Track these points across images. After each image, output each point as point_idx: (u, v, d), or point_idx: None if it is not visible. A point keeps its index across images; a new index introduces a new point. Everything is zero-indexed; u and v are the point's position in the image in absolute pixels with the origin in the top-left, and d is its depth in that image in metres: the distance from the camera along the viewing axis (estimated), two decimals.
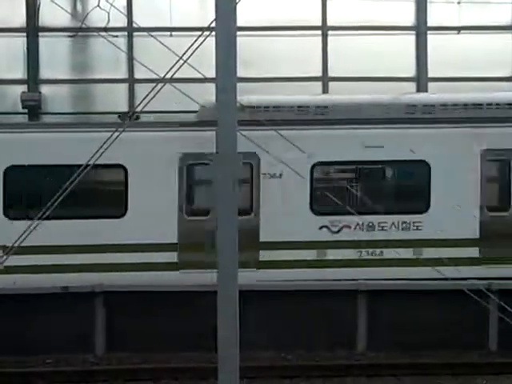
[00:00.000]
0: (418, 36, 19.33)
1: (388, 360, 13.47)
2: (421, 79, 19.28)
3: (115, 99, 19.16)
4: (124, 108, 18.97)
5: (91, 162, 7.61)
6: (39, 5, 18.72)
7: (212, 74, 7.04)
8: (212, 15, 7.02)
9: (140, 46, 18.60)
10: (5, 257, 10.23)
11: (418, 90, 19.23)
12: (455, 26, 19.41)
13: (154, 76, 8.64)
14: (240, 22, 7.18)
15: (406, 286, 14.04)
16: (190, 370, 13.04)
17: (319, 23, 19.25)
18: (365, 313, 14.11)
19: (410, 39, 19.37)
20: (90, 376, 12.96)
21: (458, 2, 19.39)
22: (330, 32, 19.24)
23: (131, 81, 19.17)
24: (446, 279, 10.77)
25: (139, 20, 18.11)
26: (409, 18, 19.42)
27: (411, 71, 19.36)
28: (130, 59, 18.79)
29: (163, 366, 13.21)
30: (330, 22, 19.27)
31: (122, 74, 19.25)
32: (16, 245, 7.47)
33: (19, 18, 18.94)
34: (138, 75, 18.93)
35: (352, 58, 18.92)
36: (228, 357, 6.89)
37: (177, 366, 13.23)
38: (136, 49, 18.84)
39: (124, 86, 19.31)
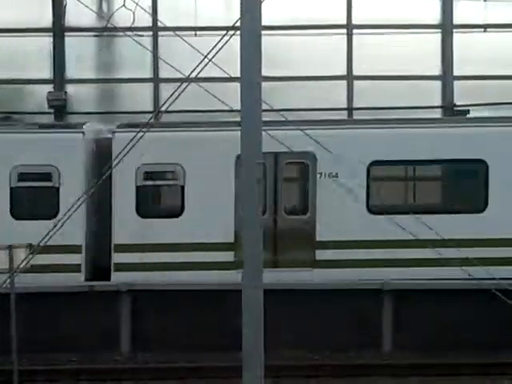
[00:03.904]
0: (443, 34, 19.20)
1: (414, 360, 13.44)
2: (446, 78, 19.15)
3: (140, 99, 19.21)
4: (149, 107, 19.03)
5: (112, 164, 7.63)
6: (65, 5, 18.82)
7: (237, 72, 7.04)
8: (237, 14, 7.02)
9: (165, 46, 18.63)
10: None
11: (444, 88, 19.12)
12: (481, 24, 19.25)
13: (179, 75, 8.65)
14: (265, 21, 7.17)
15: (435, 285, 13.98)
16: (215, 368, 13.06)
17: (344, 22, 19.18)
18: (390, 312, 14.07)
19: (435, 37, 19.25)
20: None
21: (484, 0, 19.25)
22: (354, 30, 19.17)
23: (156, 80, 19.21)
24: None
25: (164, 19, 18.14)
26: (434, 16, 19.30)
27: (437, 70, 19.24)
28: (155, 59, 18.82)
29: (188, 365, 13.25)
30: (354, 21, 19.19)
31: (147, 73, 19.29)
32: None
33: (46, 19, 19.05)
34: (162, 75, 18.97)
35: (377, 56, 18.84)
36: (252, 355, 6.88)
37: (202, 364, 13.26)
38: (161, 48, 18.88)
39: (149, 86, 19.36)
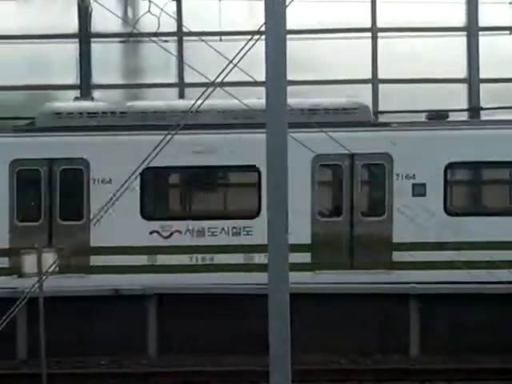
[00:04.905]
0: (469, 37, 19.12)
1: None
2: (472, 80, 19.06)
3: None
4: None
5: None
6: (91, 11, 18.96)
7: (262, 77, 7.05)
8: (261, 19, 7.03)
9: (190, 51, 18.70)
10: None
11: (470, 91, 19.03)
12: (507, 26, 19.16)
13: (204, 80, 8.68)
14: (289, 25, 7.17)
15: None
16: (242, 372, 13.07)
17: (369, 25, 19.16)
18: (417, 317, 14.00)
19: (460, 40, 19.17)
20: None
21: (510, 2, 19.14)
22: (379, 34, 19.13)
23: (181, 85, 19.29)
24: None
25: (189, 25, 18.22)
26: (459, 19, 19.22)
27: (462, 72, 19.16)
28: (180, 64, 18.90)
29: (215, 368, 13.26)
30: (379, 24, 19.16)
31: (172, 78, 19.38)
32: None
33: (72, 25, 19.21)
34: (187, 79, 19.04)
35: (402, 59, 18.79)
36: (279, 361, 6.88)
37: (228, 369, 13.27)
38: (186, 53, 18.96)
39: (174, 91, 19.44)
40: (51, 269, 9.96)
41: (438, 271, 14.38)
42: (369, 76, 19.15)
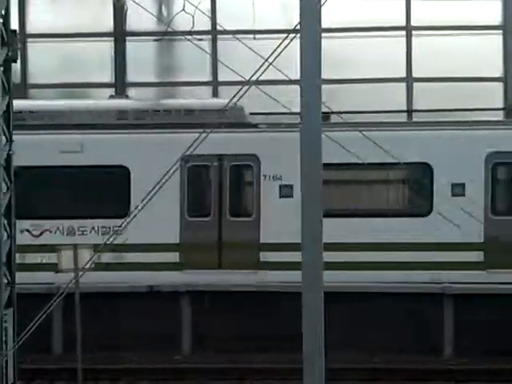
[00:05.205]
0: (504, 35, 18.95)
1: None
2: (508, 79, 18.89)
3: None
4: None
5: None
6: (126, 10, 19.09)
7: (293, 74, 7.06)
8: (295, 17, 7.04)
9: (223, 49, 18.76)
10: None
11: (506, 90, 18.86)
12: None
13: (237, 78, 8.70)
14: (324, 23, 7.17)
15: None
16: (275, 370, 13.10)
17: (403, 23, 19.07)
18: (451, 316, 13.94)
19: (496, 38, 19.01)
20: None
21: None
22: (414, 32, 19.04)
23: (215, 83, 19.35)
24: None
25: (223, 23, 18.27)
26: (495, 17, 19.06)
27: (498, 71, 19.00)
28: (214, 62, 18.96)
29: (249, 366, 13.31)
30: (413, 22, 19.07)
31: (206, 76, 19.45)
32: None
33: (107, 23, 19.36)
34: (221, 77, 19.10)
35: (437, 58, 18.67)
36: (313, 360, 6.88)
37: (262, 366, 13.31)
38: (219, 51, 19.01)
39: (208, 89, 19.51)
40: (88, 265, 10.07)
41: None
42: (403, 75, 19.07)
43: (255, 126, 15.57)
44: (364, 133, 12.11)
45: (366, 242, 14.37)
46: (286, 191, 14.70)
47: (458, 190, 14.51)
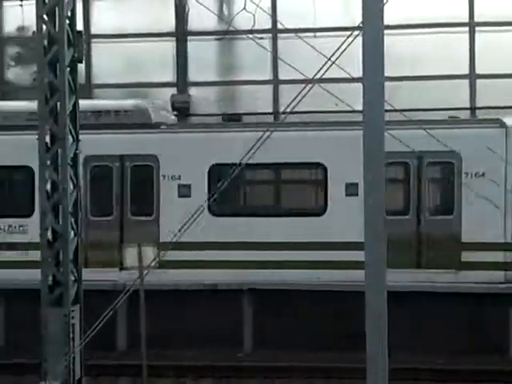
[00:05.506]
0: None
1: None
2: None
3: (260, 100, 19.41)
4: (269, 108, 19.22)
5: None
6: (188, 10, 19.23)
7: (358, 73, 7.04)
8: (356, 15, 7.01)
9: (284, 47, 18.76)
10: None
11: None
12: None
13: (298, 77, 8.69)
14: (386, 20, 7.13)
15: None
16: (338, 369, 13.09)
17: (466, 19, 18.83)
18: None
19: None
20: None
21: None
22: (477, 28, 18.78)
23: (275, 82, 19.36)
24: None
25: (283, 21, 18.27)
26: None
27: None
28: (275, 60, 18.97)
29: (312, 364, 13.31)
30: (477, 18, 18.81)
31: (267, 75, 19.48)
32: None
33: (169, 23, 19.54)
34: (282, 76, 19.10)
35: (501, 54, 18.39)
36: (376, 360, 6.85)
37: (326, 365, 13.28)
38: (280, 50, 19.01)
39: (269, 87, 19.54)
40: (153, 263, 10.18)
41: (201, 270, 14.55)
42: (466, 71, 18.83)
43: (157, 126, 15.70)
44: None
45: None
46: (184, 191, 14.93)
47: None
